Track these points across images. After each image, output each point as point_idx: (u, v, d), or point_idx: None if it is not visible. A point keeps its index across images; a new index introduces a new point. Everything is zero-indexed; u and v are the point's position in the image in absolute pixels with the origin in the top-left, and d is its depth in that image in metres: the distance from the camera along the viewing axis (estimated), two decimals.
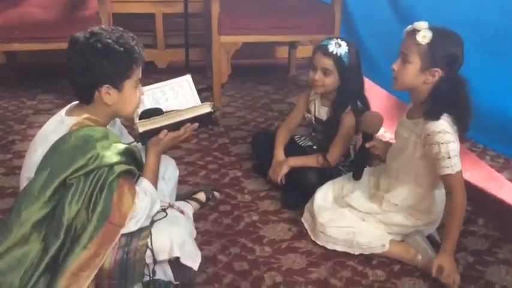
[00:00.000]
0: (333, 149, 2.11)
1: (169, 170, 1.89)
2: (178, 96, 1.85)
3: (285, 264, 1.80)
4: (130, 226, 1.50)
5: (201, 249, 1.69)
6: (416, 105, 1.75)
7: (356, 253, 1.82)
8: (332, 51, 2.03)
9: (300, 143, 2.32)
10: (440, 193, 1.81)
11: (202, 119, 1.71)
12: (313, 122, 2.25)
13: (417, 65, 1.66)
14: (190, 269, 1.58)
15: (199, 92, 1.89)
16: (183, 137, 1.69)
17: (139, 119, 1.68)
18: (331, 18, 3.07)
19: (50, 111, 2.93)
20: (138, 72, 1.57)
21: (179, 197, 1.98)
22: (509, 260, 1.84)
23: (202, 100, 1.84)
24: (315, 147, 2.26)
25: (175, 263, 1.55)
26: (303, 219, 1.98)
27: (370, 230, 1.84)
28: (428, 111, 1.66)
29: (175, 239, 1.53)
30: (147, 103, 1.78)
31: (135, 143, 1.72)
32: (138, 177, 1.59)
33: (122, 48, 1.49)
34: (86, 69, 1.49)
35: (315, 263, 1.80)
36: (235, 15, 3.03)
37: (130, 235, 1.51)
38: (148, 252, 1.50)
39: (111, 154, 1.47)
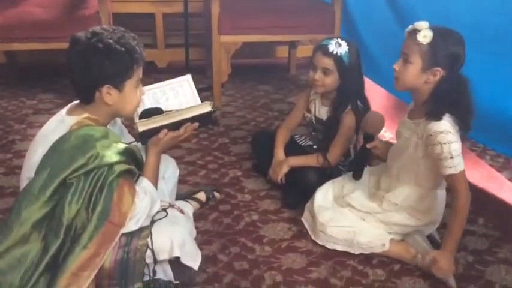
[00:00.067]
0: (333, 148, 2.11)
1: (170, 170, 1.89)
2: (178, 96, 1.85)
3: (285, 263, 1.80)
4: (131, 226, 1.50)
5: (201, 249, 1.69)
6: (417, 105, 1.75)
7: (356, 252, 1.82)
8: (332, 51, 2.03)
9: (300, 143, 2.32)
10: (440, 193, 1.81)
11: (202, 119, 1.71)
12: (313, 122, 2.25)
13: (418, 65, 1.66)
14: (190, 268, 1.58)
15: (199, 91, 1.89)
16: (183, 136, 1.69)
17: (140, 118, 1.68)
18: (331, 18, 3.07)
19: (50, 111, 2.93)
20: (139, 72, 1.57)
21: (179, 197, 1.98)
22: (509, 259, 1.84)
23: (203, 100, 1.84)
24: (315, 146, 2.26)
25: (175, 262, 1.56)
26: (303, 219, 1.98)
27: (370, 230, 1.84)
28: (430, 112, 1.66)
29: (176, 239, 1.53)
30: (147, 103, 1.78)
31: (135, 143, 1.72)
32: (138, 177, 1.59)
33: (123, 49, 1.49)
34: (87, 69, 1.49)
35: (315, 263, 1.81)
36: (235, 14, 3.03)
37: (131, 235, 1.51)
38: (149, 251, 1.51)
39: (111, 153, 1.47)
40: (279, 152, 2.20)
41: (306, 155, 2.18)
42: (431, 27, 1.63)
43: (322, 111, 2.21)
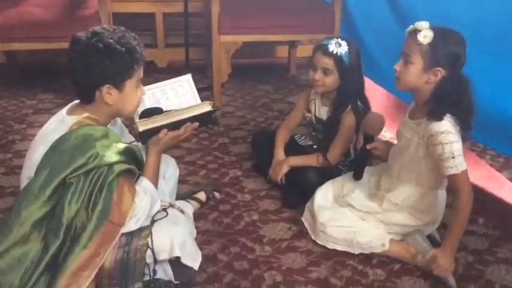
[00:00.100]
0: (333, 148, 2.11)
1: (170, 169, 1.89)
2: (178, 96, 1.85)
3: (285, 263, 1.80)
4: (131, 225, 1.50)
5: (201, 249, 1.69)
6: (418, 105, 1.75)
7: (356, 252, 1.82)
8: (332, 51, 2.03)
9: (300, 143, 2.32)
10: (441, 193, 1.81)
11: (202, 118, 1.71)
12: (314, 122, 2.25)
13: (419, 65, 1.65)
14: (190, 268, 1.58)
15: (199, 91, 1.89)
16: (183, 136, 1.69)
17: (140, 118, 1.68)
18: (331, 18, 3.07)
19: (50, 111, 2.93)
20: (139, 72, 1.57)
21: (179, 197, 1.98)
22: (509, 259, 1.84)
23: (203, 99, 1.84)
24: (315, 146, 2.26)
25: (175, 262, 1.56)
26: (303, 219, 1.98)
27: (370, 230, 1.84)
28: (431, 112, 1.66)
29: (176, 239, 1.53)
30: (148, 102, 1.78)
31: (135, 142, 1.72)
32: (138, 177, 1.59)
33: (123, 48, 1.49)
34: (87, 69, 1.48)
35: (315, 262, 1.81)
36: (235, 14, 3.03)
37: (131, 234, 1.51)
38: (149, 251, 1.51)
39: (111, 153, 1.47)
40: (279, 152, 2.20)
41: (306, 155, 2.18)
42: (432, 27, 1.63)
43: (322, 111, 2.21)
